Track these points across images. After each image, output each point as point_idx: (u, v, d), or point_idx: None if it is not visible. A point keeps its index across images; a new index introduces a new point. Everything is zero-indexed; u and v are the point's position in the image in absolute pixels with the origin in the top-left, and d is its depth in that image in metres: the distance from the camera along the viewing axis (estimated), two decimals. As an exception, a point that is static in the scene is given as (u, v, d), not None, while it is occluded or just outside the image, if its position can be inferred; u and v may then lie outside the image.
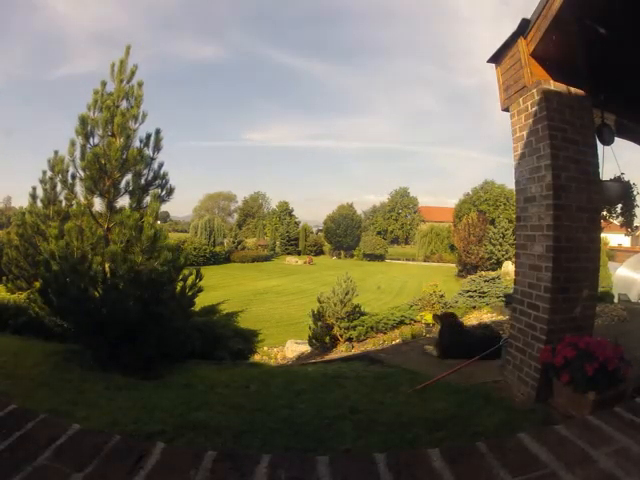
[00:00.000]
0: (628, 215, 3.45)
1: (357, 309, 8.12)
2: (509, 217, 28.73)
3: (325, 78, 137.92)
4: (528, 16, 2.94)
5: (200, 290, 4.76)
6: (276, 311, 13.44)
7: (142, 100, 4.63)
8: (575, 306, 2.93)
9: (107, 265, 4.07)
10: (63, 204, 6.06)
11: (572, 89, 3.04)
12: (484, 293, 9.30)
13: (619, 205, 3.42)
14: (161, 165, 4.80)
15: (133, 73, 4.64)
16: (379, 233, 48.35)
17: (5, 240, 7.09)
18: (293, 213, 47.28)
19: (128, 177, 4.46)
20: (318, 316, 8.02)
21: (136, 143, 4.55)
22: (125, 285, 3.89)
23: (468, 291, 9.54)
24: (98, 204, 4.33)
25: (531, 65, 3.03)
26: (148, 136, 4.67)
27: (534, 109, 3.01)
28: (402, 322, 7.68)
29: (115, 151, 4.15)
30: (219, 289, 16.64)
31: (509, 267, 20.01)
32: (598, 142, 3.24)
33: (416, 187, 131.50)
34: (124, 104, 4.56)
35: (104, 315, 3.76)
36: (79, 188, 4.38)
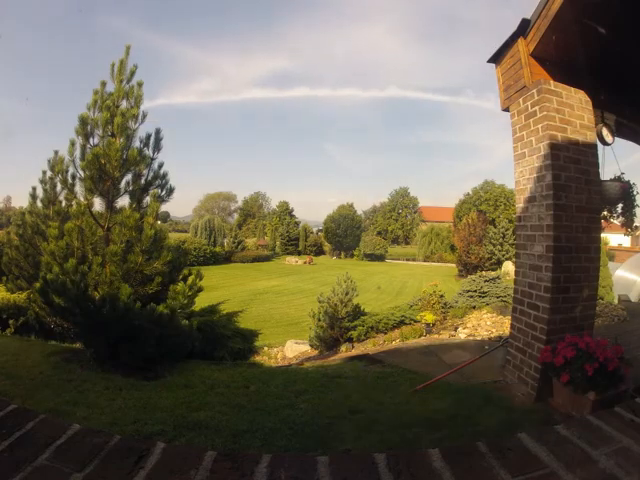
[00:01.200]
0: (628, 215, 3.46)
1: (357, 309, 8.11)
2: (509, 217, 28.76)
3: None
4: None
5: (200, 290, 4.75)
6: (276, 311, 13.43)
7: (142, 100, 4.63)
8: (575, 306, 2.93)
9: (107, 265, 4.06)
10: (63, 204, 6.05)
11: (572, 89, 3.05)
12: (484, 293, 9.28)
13: (619, 205, 3.43)
14: (161, 165, 4.80)
15: (133, 73, 4.64)
16: (379, 233, 48.38)
17: (5, 240, 7.09)
18: (293, 213, 47.30)
19: (128, 177, 4.46)
20: (318, 316, 8.01)
21: (136, 143, 4.55)
22: (125, 285, 3.88)
23: (468, 291, 9.52)
24: (98, 204, 4.33)
25: (531, 65, 3.04)
26: (148, 136, 4.67)
27: (534, 109, 3.01)
28: (402, 322, 7.66)
29: (115, 151, 4.14)
30: (219, 289, 16.63)
31: (509, 267, 20.03)
32: (598, 142, 3.24)
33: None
34: (124, 104, 4.56)
35: (104, 315, 3.76)
36: (79, 188, 4.38)
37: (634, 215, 3.48)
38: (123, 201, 4.46)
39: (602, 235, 3.39)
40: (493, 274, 10.44)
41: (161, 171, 4.79)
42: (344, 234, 39.55)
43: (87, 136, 4.30)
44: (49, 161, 5.10)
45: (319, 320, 7.91)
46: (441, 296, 8.34)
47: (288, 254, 38.85)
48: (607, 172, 3.29)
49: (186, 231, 44.42)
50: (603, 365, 2.46)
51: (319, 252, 42.28)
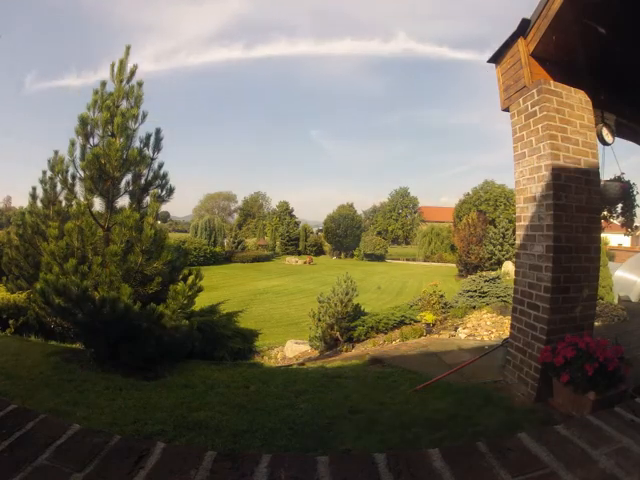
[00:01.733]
0: (628, 215, 3.46)
1: (357, 309, 8.11)
2: (509, 217, 28.74)
3: None
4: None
5: (200, 290, 4.75)
6: (276, 311, 13.42)
7: (142, 100, 4.63)
8: (575, 306, 2.93)
9: (107, 265, 4.06)
10: (63, 204, 6.05)
11: (572, 89, 3.05)
12: (484, 293, 9.27)
13: (619, 205, 3.43)
14: (161, 165, 4.81)
15: (133, 73, 4.64)
16: (379, 233, 48.39)
17: (5, 240, 7.08)
18: (293, 213, 47.30)
19: (128, 177, 4.46)
20: (318, 316, 8.01)
21: (136, 143, 4.55)
22: (125, 285, 3.88)
23: (468, 291, 9.50)
24: (98, 204, 4.33)
25: (531, 65, 3.04)
26: (148, 136, 4.67)
27: (534, 109, 3.01)
28: (402, 322, 7.66)
29: (115, 151, 4.14)
30: (219, 289, 16.63)
31: (509, 267, 20.03)
32: (598, 142, 3.24)
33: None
34: (124, 104, 4.56)
35: (104, 315, 3.76)
36: (79, 188, 4.38)
37: (634, 215, 3.48)
38: (123, 201, 4.46)
39: (602, 235, 3.39)
40: (493, 274, 10.44)
41: (161, 171, 4.80)
42: (344, 234, 39.52)
43: (87, 136, 4.31)
44: (49, 161, 5.10)
45: (319, 320, 7.92)
46: (441, 296, 8.35)
47: (288, 254, 38.83)
48: (607, 172, 3.29)
49: (186, 231, 44.41)
50: (603, 365, 2.46)
51: (319, 252, 42.26)
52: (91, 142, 4.35)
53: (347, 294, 7.89)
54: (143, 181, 4.60)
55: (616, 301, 8.03)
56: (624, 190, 3.32)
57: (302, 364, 6.14)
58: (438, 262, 35.17)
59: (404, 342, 6.46)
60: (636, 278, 8.76)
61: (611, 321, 5.96)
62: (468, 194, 40.80)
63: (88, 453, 0.80)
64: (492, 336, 6.03)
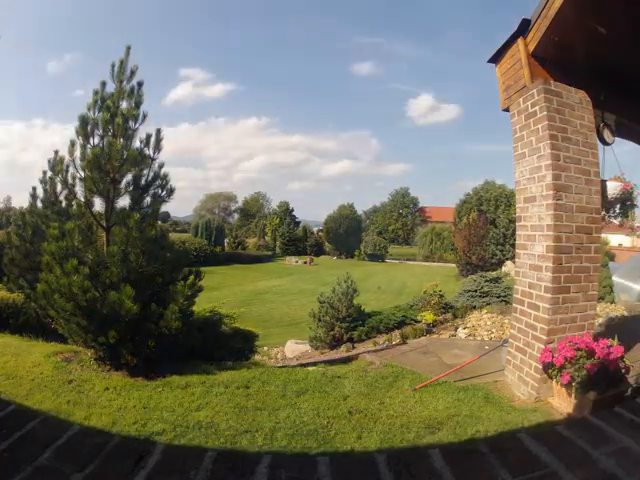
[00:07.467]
0: (629, 215, 3.45)
1: (358, 309, 8.10)
2: (510, 217, 28.74)
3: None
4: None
5: (200, 290, 4.74)
6: (276, 311, 13.42)
7: (143, 100, 4.63)
8: (575, 306, 2.93)
9: (108, 266, 4.06)
10: (63, 204, 6.05)
11: (572, 89, 3.05)
12: (485, 293, 9.24)
13: (619, 205, 3.42)
14: (161, 165, 4.79)
15: (133, 73, 4.63)
16: (380, 233, 48.39)
17: (5, 240, 7.08)
18: (293, 213, 47.32)
19: (128, 177, 4.45)
20: (319, 316, 8.00)
21: (136, 143, 4.54)
22: (125, 285, 3.88)
23: (469, 291, 9.48)
24: (98, 204, 4.32)
25: (531, 65, 3.04)
26: (148, 136, 4.66)
27: (534, 109, 3.01)
28: (403, 322, 7.65)
29: (115, 151, 4.14)
30: (219, 289, 16.62)
31: (510, 267, 20.03)
32: (598, 142, 3.24)
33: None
34: (124, 104, 4.55)
35: (104, 315, 3.76)
36: (79, 188, 4.37)
37: (634, 215, 3.48)
38: (123, 201, 4.45)
39: (602, 235, 3.39)
40: (494, 274, 10.43)
41: (161, 171, 4.78)
42: (345, 234, 39.52)
43: (87, 136, 4.30)
44: (49, 161, 5.09)
45: (319, 320, 7.91)
46: (441, 296, 8.34)
47: (288, 254, 38.79)
48: (607, 172, 3.29)
49: (186, 231, 44.38)
50: (603, 365, 2.46)
51: (320, 252, 42.21)
52: (91, 142, 4.34)
53: (347, 294, 7.88)
54: (143, 181, 4.59)
55: (616, 301, 8.03)
56: (624, 190, 3.32)
57: (302, 364, 6.14)
58: (438, 262, 35.13)
59: (405, 342, 6.45)
60: (632, 284, 8.75)
61: (611, 321, 5.95)
62: (469, 194, 40.80)
63: (88, 453, 0.80)
64: (492, 336, 6.03)
